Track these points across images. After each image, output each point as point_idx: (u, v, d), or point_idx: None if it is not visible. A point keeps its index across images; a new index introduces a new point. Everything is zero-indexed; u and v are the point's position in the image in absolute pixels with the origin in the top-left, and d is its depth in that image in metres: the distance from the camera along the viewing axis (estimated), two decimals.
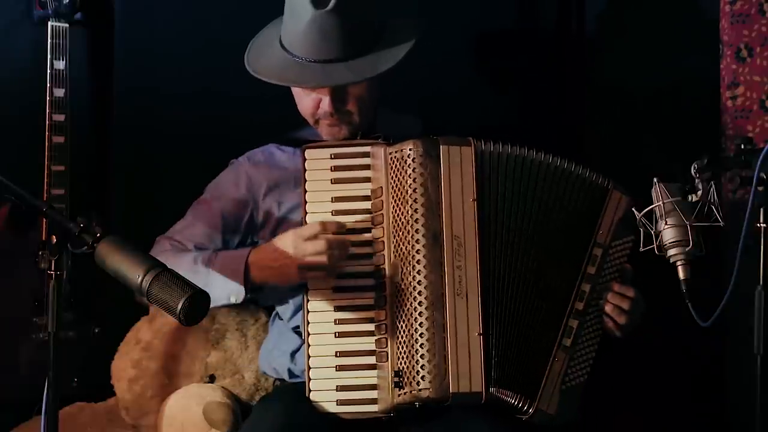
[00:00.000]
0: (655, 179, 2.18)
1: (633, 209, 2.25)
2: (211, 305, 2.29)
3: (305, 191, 2.28)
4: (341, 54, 2.28)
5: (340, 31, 2.26)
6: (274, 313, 2.50)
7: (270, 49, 2.37)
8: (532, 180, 2.29)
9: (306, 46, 2.29)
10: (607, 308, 2.29)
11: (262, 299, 2.46)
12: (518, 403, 2.22)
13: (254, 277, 2.28)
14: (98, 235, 1.87)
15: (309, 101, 2.36)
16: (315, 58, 2.29)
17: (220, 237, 2.42)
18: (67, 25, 2.74)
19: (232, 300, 2.31)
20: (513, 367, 2.23)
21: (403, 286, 2.22)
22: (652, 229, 2.18)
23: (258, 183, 2.43)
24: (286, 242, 2.24)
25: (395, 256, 2.24)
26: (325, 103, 2.32)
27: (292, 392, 2.31)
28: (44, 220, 1.94)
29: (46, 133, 2.72)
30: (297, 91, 2.38)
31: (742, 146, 2.16)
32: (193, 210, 2.47)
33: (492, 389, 2.21)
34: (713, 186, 2.14)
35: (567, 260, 2.30)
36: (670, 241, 2.15)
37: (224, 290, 2.29)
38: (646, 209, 2.19)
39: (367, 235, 2.26)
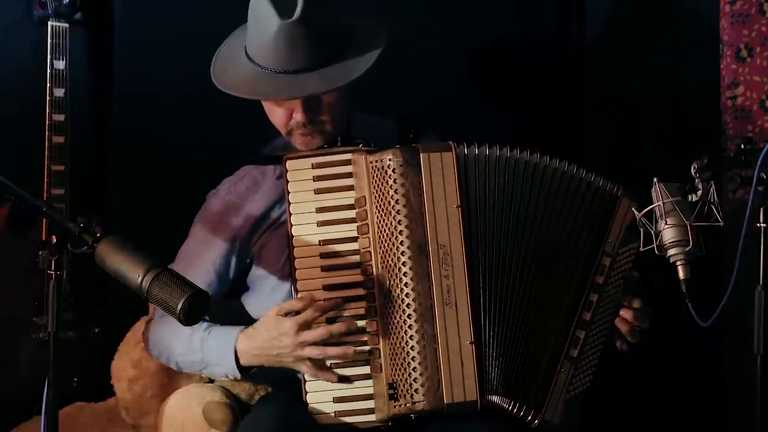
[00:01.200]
0: (655, 179, 2.17)
1: (633, 209, 2.25)
2: (214, 377, 2.39)
3: (289, 203, 2.25)
4: (311, 63, 2.22)
5: (308, 40, 2.20)
6: None
7: (237, 61, 2.31)
8: (527, 182, 2.26)
9: (274, 57, 2.22)
10: (623, 328, 2.26)
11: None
12: (523, 414, 2.20)
13: (245, 361, 2.27)
14: (98, 235, 1.87)
15: (280, 113, 2.30)
16: (285, 68, 2.22)
17: (215, 278, 2.38)
18: (67, 25, 2.74)
19: (230, 377, 2.33)
20: (515, 374, 2.21)
21: (391, 298, 2.20)
22: (651, 229, 2.18)
23: (245, 214, 2.38)
24: (283, 332, 2.20)
25: (382, 267, 2.22)
26: (298, 114, 2.26)
27: (290, 393, 2.31)
28: (44, 220, 1.94)
29: (46, 133, 2.72)
30: (267, 103, 2.32)
31: (742, 146, 2.15)
32: (182, 258, 2.40)
33: (491, 397, 2.20)
34: (713, 186, 2.13)
35: (573, 268, 2.26)
36: (670, 241, 2.14)
37: (220, 371, 2.31)
38: (646, 209, 2.19)
39: (354, 245, 2.24)
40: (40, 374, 1.88)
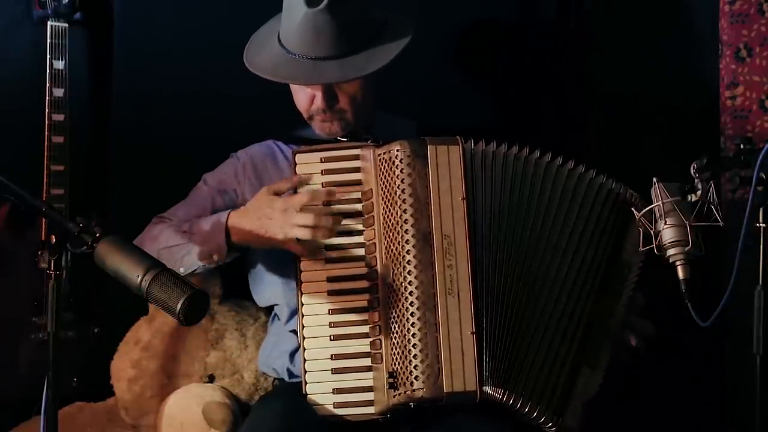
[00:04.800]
0: (654, 179, 2.17)
1: (633, 209, 2.25)
2: (194, 266, 2.33)
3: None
4: (334, 51, 2.30)
5: (332, 29, 2.28)
6: (272, 313, 2.50)
7: (268, 45, 2.39)
8: (527, 179, 2.28)
9: (300, 43, 2.31)
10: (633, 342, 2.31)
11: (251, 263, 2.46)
12: (543, 419, 2.21)
13: (235, 238, 2.29)
14: (98, 235, 1.87)
15: (304, 96, 2.39)
16: (308, 55, 2.31)
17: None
18: (66, 25, 2.74)
19: (215, 258, 2.32)
20: (516, 368, 2.21)
21: (395, 287, 2.21)
22: (651, 229, 2.18)
23: (254, 184, 2.44)
24: (274, 209, 2.23)
25: (387, 257, 2.23)
26: (318, 99, 2.35)
27: (290, 392, 2.31)
28: (44, 220, 1.94)
29: (46, 132, 2.72)
30: (294, 87, 2.41)
31: (742, 146, 2.15)
32: (189, 195, 2.51)
33: (488, 389, 2.19)
34: (713, 186, 2.14)
35: (593, 275, 2.28)
36: (669, 240, 2.14)
37: (204, 250, 2.31)
38: (646, 209, 2.19)
39: (359, 238, 2.26)
40: (39, 374, 1.88)
